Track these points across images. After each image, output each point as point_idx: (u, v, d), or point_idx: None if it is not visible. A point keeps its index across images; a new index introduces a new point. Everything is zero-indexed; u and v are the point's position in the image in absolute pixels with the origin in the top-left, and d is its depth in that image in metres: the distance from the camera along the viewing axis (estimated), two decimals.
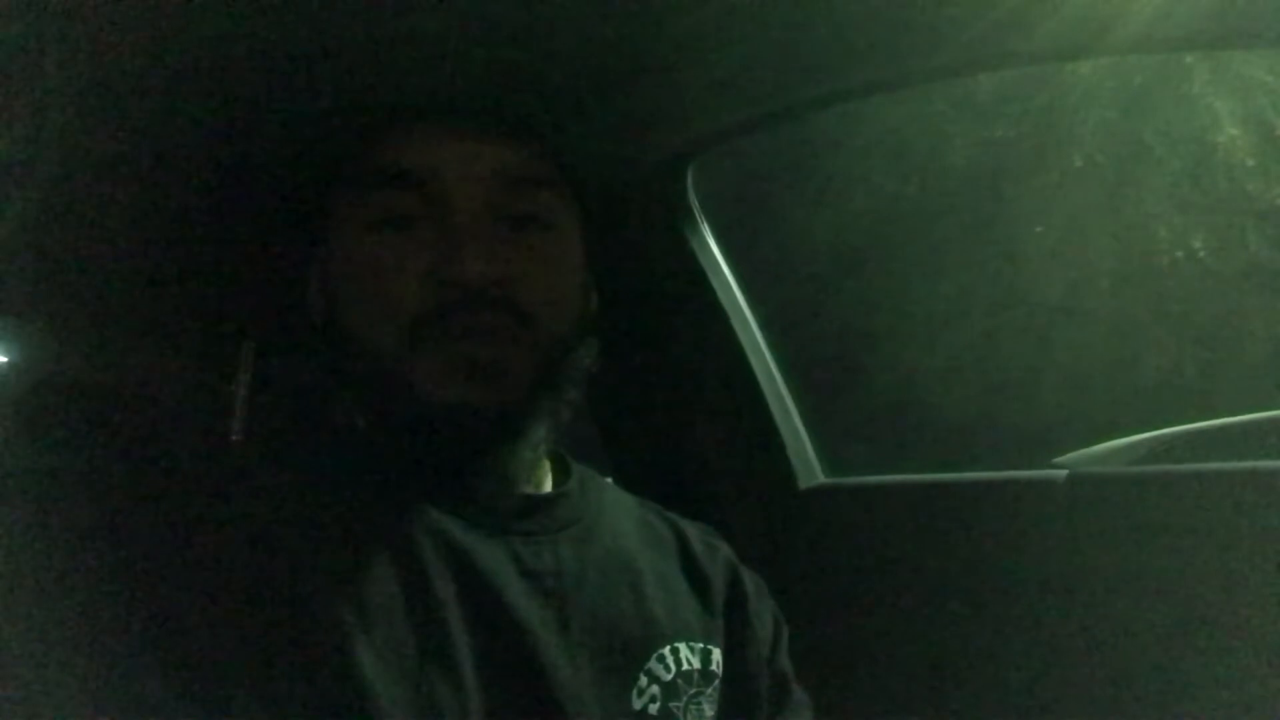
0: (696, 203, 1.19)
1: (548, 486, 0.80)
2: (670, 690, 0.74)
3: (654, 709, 0.72)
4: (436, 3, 0.73)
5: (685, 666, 0.75)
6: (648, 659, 0.74)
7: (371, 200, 0.75)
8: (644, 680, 0.73)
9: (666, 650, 0.75)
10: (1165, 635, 0.91)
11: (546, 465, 0.81)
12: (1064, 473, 1.01)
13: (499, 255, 0.72)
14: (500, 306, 0.72)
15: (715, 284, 1.20)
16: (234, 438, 1.20)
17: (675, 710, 0.73)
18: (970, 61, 0.94)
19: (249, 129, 0.86)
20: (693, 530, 0.87)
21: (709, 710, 0.76)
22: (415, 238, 0.73)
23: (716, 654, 0.79)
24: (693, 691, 0.75)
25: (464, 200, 0.73)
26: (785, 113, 1.04)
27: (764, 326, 1.24)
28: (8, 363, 1.18)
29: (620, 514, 0.84)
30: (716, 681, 0.78)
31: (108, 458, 1.02)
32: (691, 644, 0.77)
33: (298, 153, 0.85)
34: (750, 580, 0.87)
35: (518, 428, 0.74)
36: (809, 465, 1.25)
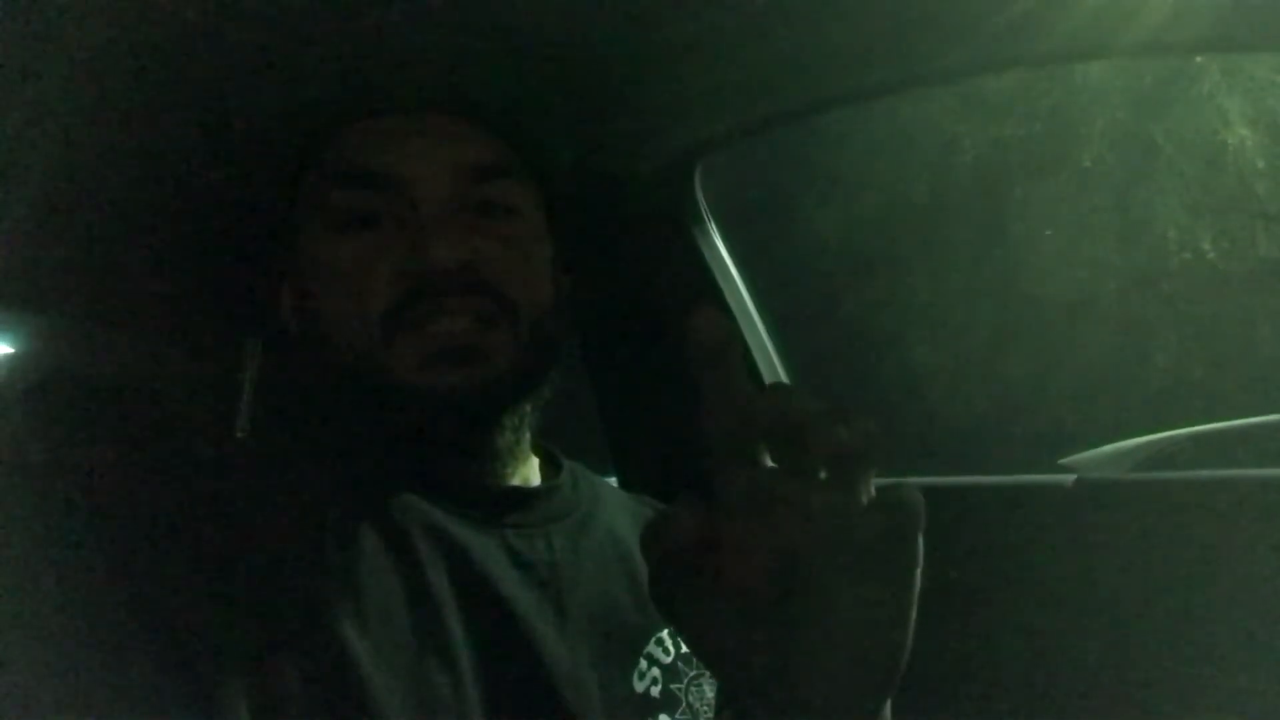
0: (704, 203, 1.18)
1: (537, 481, 0.80)
2: (671, 673, 0.74)
3: (655, 691, 0.73)
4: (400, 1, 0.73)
5: (684, 649, 0.75)
6: (646, 643, 0.74)
7: (337, 200, 0.75)
8: (644, 664, 0.73)
9: (665, 634, 0.75)
10: (1171, 640, 0.91)
11: (535, 460, 0.81)
12: (1071, 477, 1.01)
13: (465, 240, 0.72)
14: (471, 288, 0.72)
15: (722, 285, 1.19)
16: (239, 433, 1.20)
17: (677, 692, 0.74)
18: (980, 63, 0.94)
19: (238, 127, 0.86)
20: None
21: (709, 691, 0.76)
22: (383, 234, 0.74)
23: None
24: (693, 674, 0.75)
25: (428, 193, 0.74)
26: (793, 114, 1.04)
27: (771, 327, 1.24)
28: (13, 355, 1.18)
29: (613, 506, 0.84)
30: None
31: (111, 451, 1.02)
32: None
33: (276, 154, 0.85)
34: None
35: (498, 408, 0.74)
36: None
